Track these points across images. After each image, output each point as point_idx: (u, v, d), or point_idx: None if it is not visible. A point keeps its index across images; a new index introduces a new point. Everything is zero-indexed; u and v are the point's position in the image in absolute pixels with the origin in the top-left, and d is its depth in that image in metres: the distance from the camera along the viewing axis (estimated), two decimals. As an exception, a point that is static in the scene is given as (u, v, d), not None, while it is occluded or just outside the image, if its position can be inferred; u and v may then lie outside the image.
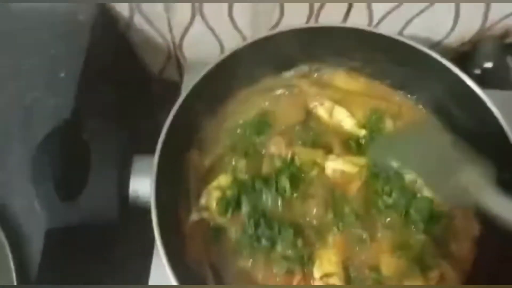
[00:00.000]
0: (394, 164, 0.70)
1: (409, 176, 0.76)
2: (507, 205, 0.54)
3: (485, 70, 1.01)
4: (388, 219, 0.74)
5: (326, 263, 0.70)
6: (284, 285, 0.69)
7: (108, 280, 0.68)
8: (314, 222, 0.74)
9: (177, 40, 1.00)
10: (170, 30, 0.97)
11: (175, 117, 0.69)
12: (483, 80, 0.99)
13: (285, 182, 0.73)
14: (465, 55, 1.03)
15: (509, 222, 0.54)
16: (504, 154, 0.69)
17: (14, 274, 0.62)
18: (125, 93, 1.11)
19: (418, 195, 0.75)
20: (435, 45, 0.97)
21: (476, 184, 0.58)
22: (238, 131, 0.80)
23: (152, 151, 0.67)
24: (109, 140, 0.64)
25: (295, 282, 0.69)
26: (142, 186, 0.66)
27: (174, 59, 1.07)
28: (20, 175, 0.70)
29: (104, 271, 0.71)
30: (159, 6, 0.90)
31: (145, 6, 0.90)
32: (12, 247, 0.62)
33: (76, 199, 0.59)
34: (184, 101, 0.71)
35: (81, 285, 0.69)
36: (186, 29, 0.96)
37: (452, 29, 0.94)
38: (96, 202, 0.60)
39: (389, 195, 0.75)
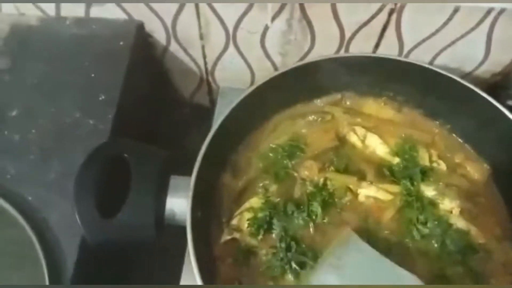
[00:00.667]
0: None
1: (443, 206, 0.76)
2: None
3: None
4: (424, 248, 0.73)
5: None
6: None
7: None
8: (347, 249, 0.72)
9: (209, 66, 1.03)
10: (204, 56, 1.00)
11: (211, 140, 0.70)
12: None
13: (317, 207, 0.73)
14: (496, 86, 1.03)
15: None
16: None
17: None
18: (159, 115, 1.14)
19: (454, 226, 0.74)
20: (465, 76, 0.98)
21: None
22: (271, 155, 0.81)
23: (186, 173, 0.68)
24: (148, 160, 0.64)
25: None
26: (178, 205, 0.66)
27: (206, 83, 1.10)
28: (59, 191, 0.72)
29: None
30: (194, 32, 0.93)
31: (180, 33, 0.94)
32: (47, 260, 0.62)
33: (115, 216, 0.59)
34: (220, 126, 0.72)
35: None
36: (219, 56, 0.99)
37: (483, 61, 0.94)
38: (133, 220, 0.60)
39: (424, 224, 0.74)
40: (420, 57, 0.92)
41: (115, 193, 0.62)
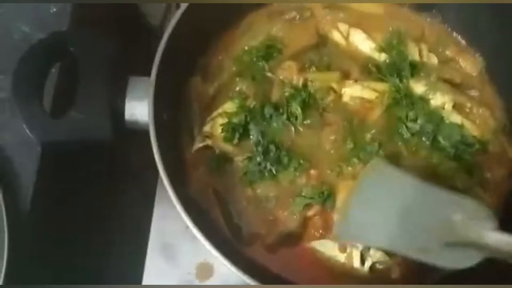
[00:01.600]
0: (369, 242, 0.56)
1: (434, 101, 0.70)
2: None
3: None
4: (414, 146, 0.67)
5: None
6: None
7: (107, 203, 0.63)
8: (332, 152, 0.67)
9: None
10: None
11: (170, 38, 0.62)
12: None
13: (296, 108, 0.66)
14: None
15: None
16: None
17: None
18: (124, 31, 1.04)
19: (447, 120, 0.68)
20: None
21: (477, 224, 0.48)
22: (245, 57, 0.73)
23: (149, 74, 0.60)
24: (99, 54, 0.56)
25: (310, 214, 0.62)
26: (140, 108, 0.59)
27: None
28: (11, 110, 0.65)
29: (103, 195, 0.66)
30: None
31: None
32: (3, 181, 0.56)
33: (66, 114, 0.52)
34: (179, 23, 0.63)
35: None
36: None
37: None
38: (86, 117, 0.53)
39: (415, 121, 0.68)
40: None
41: (66, 91, 0.55)
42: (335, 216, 0.62)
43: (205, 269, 0.71)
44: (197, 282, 0.71)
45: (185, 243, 0.71)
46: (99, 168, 0.66)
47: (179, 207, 0.55)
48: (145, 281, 0.70)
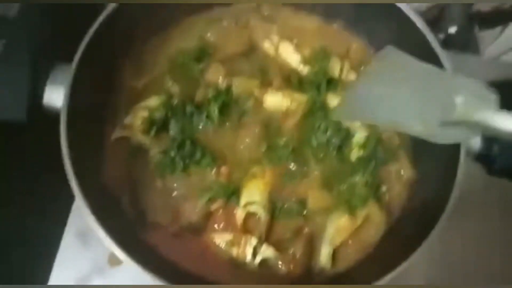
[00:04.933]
0: (373, 120, 0.61)
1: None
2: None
3: (449, 35, 1.00)
4: (321, 155, 0.72)
5: (252, 192, 0.68)
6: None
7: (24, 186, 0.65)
8: (245, 153, 0.71)
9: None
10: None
11: (103, 24, 0.65)
12: (447, 44, 0.98)
13: (214, 109, 0.71)
14: (432, 20, 1.01)
15: None
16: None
17: None
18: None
19: (354, 135, 0.73)
20: None
21: (479, 104, 0.48)
22: (178, 57, 0.77)
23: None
24: (27, 36, 0.59)
25: (214, 208, 0.66)
26: (58, 94, 0.62)
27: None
28: None
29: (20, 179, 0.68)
30: None
31: None
32: None
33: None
34: (118, 10, 0.66)
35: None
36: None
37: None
38: (2, 96, 0.56)
39: (324, 132, 0.73)
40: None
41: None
42: (238, 211, 0.66)
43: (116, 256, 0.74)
44: (108, 268, 0.74)
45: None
46: (17, 150, 0.68)
47: (81, 199, 0.58)
48: (57, 262, 0.73)
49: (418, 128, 0.52)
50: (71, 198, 0.75)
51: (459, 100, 0.48)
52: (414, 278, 0.79)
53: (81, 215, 0.73)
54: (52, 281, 0.72)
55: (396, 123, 0.56)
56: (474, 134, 0.52)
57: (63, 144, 0.58)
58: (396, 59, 0.60)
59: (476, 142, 0.68)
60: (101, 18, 0.65)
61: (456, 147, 0.65)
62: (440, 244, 0.81)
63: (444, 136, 0.52)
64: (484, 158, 0.69)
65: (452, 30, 1.01)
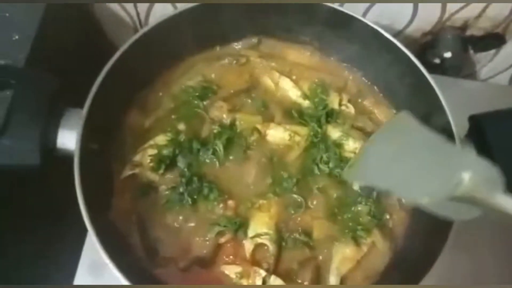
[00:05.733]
0: (381, 186, 0.61)
1: (348, 147, 0.78)
2: None
3: (444, 60, 1.03)
4: (324, 186, 0.75)
5: (260, 224, 0.70)
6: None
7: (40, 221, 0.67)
8: (251, 186, 0.74)
9: (142, 17, 0.99)
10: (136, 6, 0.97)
11: (110, 71, 0.69)
12: (443, 68, 1.01)
13: (219, 145, 0.73)
14: (426, 46, 1.05)
15: None
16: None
17: None
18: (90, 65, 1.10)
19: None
20: (397, 34, 0.99)
21: (485, 184, 0.49)
22: (182, 95, 0.80)
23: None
24: (39, 90, 0.63)
25: (222, 241, 0.68)
26: (70, 137, 0.65)
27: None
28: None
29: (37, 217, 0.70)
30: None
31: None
32: None
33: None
34: (123, 56, 0.70)
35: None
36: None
37: (412, 19, 0.95)
38: (16, 146, 0.59)
39: (327, 164, 0.75)
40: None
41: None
42: (247, 243, 0.68)
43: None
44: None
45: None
46: (31, 192, 0.71)
47: (94, 237, 0.60)
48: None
49: (424, 200, 0.52)
50: (84, 232, 0.77)
51: (466, 176, 0.49)
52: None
53: (94, 250, 0.77)
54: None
55: (403, 193, 0.58)
56: (477, 212, 0.52)
57: (77, 184, 0.61)
58: (408, 126, 0.61)
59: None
60: (109, 64, 0.69)
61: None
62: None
63: (449, 211, 0.53)
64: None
65: (447, 54, 1.03)
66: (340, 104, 0.82)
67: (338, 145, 0.77)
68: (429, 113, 0.73)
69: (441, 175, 0.52)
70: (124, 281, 0.58)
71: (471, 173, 0.49)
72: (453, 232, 0.64)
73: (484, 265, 0.85)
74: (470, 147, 0.70)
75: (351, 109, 0.82)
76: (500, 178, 0.49)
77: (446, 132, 0.70)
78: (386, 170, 0.58)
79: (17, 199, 0.69)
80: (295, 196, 0.73)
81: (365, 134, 0.79)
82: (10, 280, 0.74)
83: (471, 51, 1.07)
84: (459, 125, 0.71)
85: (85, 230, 0.76)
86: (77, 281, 0.76)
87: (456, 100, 0.72)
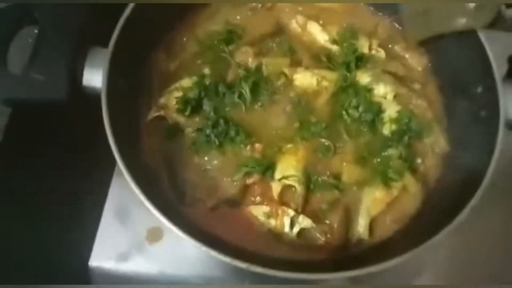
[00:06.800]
0: None
1: (377, 92, 0.75)
2: None
3: None
4: (354, 130, 0.73)
5: (287, 167, 0.68)
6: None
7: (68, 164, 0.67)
8: (278, 130, 0.72)
9: None
10: None
11: (133, 12, 0.67)
12: None
13: (246, 89, 0.72)
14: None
15: None
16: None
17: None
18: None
19: (386, 110, 0.74)
20: None
21: None
22: (207, 40, 0.78)
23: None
24: (63, 24, 0.62)
25: (250, 182, 0.67)
26: (96, 75, 0.64)
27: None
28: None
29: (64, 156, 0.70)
30: None
31: None
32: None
33: (26, 75, 0.58)
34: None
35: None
36: None
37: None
38: (44, 79, 0.59)
39: (356, 108, 0.73)
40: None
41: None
42: (274, 184, 0.67)
43: (155, 233, 0.76)
44: (147, 244, 0.76)
45: (139, 208, 0.76)
46: (60, 129, 0.71)
47: (124, 170, 0.59)
48: (97, 241, 0.75)
49: None
50: (109, 177, 0.77)
51: None
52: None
53: (119, 194, 0.77)
54: (93, 258, 0.73)
55: None
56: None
57: (105, 119, 0.60)
58: None
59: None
60: (131, 4, 0.67)
61: (495, 117, 0.65)
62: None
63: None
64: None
65: None
66: (370, 49, 0.79)
67: (368, 90, 0.75)
68: (465, 52, 0.70)
69: None
70: (156, 213, 0.57)
71: None
72: (486, 181, 0.62)
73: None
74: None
75: (381, 54, 0.79)
76: None
77: (486, 73, 0.67)
78: None
79: (49, 137, 0.69)
80: (323, 140, 0.72)
81: (397, 78, 0.76)
82: (35, 228, 0.74)
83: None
84: (498, 64, 0.67)
85: (111, 173, 0.77)
86: (102, 226, 0.77)
87: (497, 40, 0.69)
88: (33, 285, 0.67)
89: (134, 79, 0.72)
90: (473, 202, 0.61)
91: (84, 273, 0.75)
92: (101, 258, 0.74)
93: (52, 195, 0.76)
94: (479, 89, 0.69)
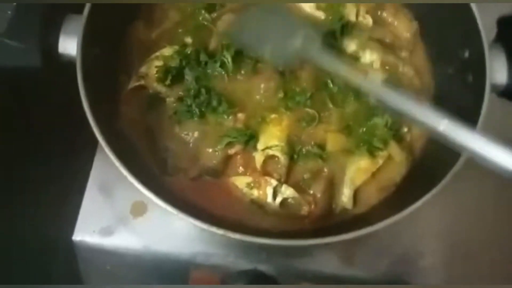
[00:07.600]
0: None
1: (364, 59, 0.73)
2: (328, 58, 0.63)
3: None
4: (339, 100, 0.71)
5: (270, 137, 0.67)
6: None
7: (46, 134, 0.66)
8: (261, 99, 0.71)
9: None
10: None
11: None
12: None
13: (227, 58, 0.70)
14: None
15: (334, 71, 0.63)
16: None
17: None
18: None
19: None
20: None
21: (307, 45, 0.65)
22: (189, 7, 0.76)
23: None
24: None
25: (232, 152, 0.66)
26: (72, 43, 0.62)
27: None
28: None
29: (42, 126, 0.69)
30: None
31: None
32: None
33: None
34: None
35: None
36: None
37: None
38: (18, 46, 0.57)
39: (342, 77, 0.71)
40: None
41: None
42: (257, 155, 0.66)
43: (139, 206, 0.75)
44: (131, 218, 0.75)
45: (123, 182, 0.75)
46: (38, 101, 0.69)
47: (103, 142, 0.58)
48: (81, 215, 0.75)
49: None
50: (92, 151, 0.76)
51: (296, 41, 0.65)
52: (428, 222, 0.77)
53: (103, 168, 0.76)
54: (77, 233, 0.73)
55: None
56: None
57: (80, 88, 0.58)
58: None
59: (502, 77, 0.66)
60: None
61: (481, 81, 0.63)
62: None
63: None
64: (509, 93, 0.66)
65: None
66: (357, 16, 0.76)
67: (354, 58, 0.73)
68: (454, 16, 0.68)
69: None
70: (140, 187, 0.56)
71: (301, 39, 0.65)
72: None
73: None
74: (500, 52, 0.65)
75: (368, 21, 0.76)
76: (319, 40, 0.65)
77: (473, 37, 0.65)
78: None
79: (24, 108, 0.67)
80: (308, 110, 0.70)
81: (384, 45, 0.74)
82: (16, 204, 0.73)
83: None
84: (487, 28, 0.65)
85: (94, 148, 0.76)
86: (86, 200, 0.76)
87: (486, 3, 0.67)
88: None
89: (112, 48, 0.70)
90: (457, 168, 0.60)
91: (69, 247, 0.75)
92: (85, 233, 0.74)
93: (33, 170, 0.74)
94: (466, 54, 0.68)
